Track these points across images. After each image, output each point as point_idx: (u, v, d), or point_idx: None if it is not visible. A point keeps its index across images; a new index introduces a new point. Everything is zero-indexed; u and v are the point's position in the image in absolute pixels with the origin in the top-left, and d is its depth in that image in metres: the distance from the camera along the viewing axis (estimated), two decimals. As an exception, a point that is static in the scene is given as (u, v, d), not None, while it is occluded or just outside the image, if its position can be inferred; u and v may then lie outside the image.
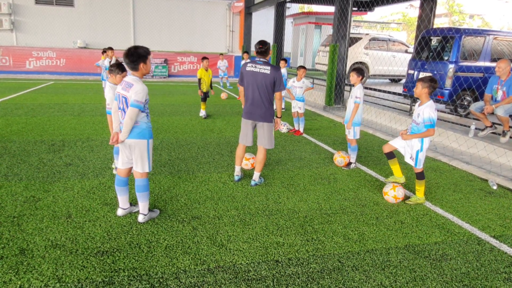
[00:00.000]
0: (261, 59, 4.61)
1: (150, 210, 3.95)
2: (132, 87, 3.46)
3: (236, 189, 4.81)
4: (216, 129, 8.17)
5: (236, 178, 5.08)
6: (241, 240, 3.55)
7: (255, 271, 3.08)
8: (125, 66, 3.54)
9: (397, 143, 4.77)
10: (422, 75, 9.50)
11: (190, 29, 21.42)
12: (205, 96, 9.13)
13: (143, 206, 3.80)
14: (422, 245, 3.62)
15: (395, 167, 5.01)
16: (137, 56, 3.45)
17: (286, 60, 10.28)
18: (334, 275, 3.08)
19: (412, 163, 4.58)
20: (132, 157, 3.72)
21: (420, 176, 4.56)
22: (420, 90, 4.35)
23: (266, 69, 4.52)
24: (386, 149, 4.87)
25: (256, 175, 4.97)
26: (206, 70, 8.97)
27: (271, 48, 4.69)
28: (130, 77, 3.57)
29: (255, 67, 4.57)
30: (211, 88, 9.27)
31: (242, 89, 4.87)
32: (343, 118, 9.25)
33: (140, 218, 3.80)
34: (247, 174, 5.35)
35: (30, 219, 3.74)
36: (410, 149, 4.58)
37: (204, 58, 8.97)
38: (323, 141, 7.54)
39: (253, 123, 4.81)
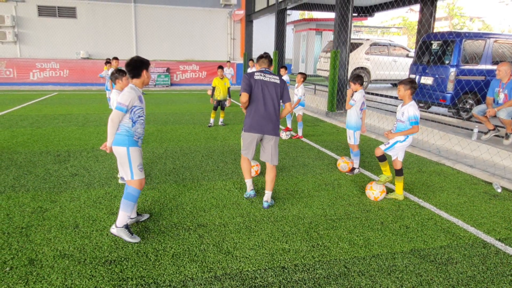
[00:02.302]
0: (267, 69, 4.45)
1: (127, 228, 3.61)
2: (121, 93, 3.52)
3: (241, 196, 4.84)
4: (220, 137, 8.22)
5: (252, 193, 4.67)
6: (247, 247, 3.57)
7: (261, 278, 3.10)
8: (127, 74, 3.58)
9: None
10: (424, 79, 9.55)
11: (192, 37, 21.59)
12: (217, 105, 9.24)
13: (119, 215, 3.58)
14: (428, 249, 3.63)
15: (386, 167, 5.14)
16: (140, 62, 3.53)
17: (286, 68, 10.35)
18: (340, 280, 3.09)
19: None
20: None
21: (399, 172, 4.81)
22: (403, 92, 4.65)
23: (276, 79, 4.37)
24: (378, 153, 4.97)
25: (268, 195, 4.52)
26: (222, 79, 9.09)
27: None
28: (128, 86, 3.61)
29: (264, 76, 4.34)
30: (229, 96, 9.41)
31: (247, 96, 4.30)
32: (345, 123, 9.29)
33: (111, 228, 3.70)
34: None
35: (38, 229, 3.79)
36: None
37: (219, 67, 9.26)
38: (326, 147, 7.57)
39: (261, 136, 4.43)
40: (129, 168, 3.58)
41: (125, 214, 3.57)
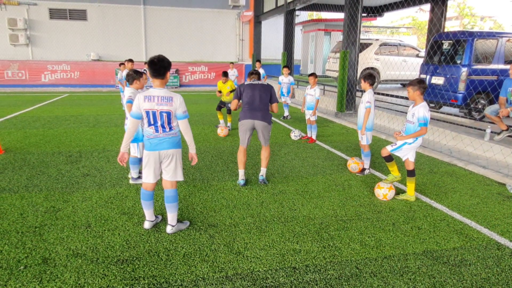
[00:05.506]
0: (256, 79, 5.40)
1: (179, 221, 3.96)
2: (174, 100, 3.52)
3: (251, 197, 4.84)
4: (229, 138, 8.23)
5: (241, 182, 5.25)
6: (257, 247, 3.57)
7: (273, 278, 3.09)
8: (152, 72, 3.48)
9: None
10: (435, 79, 9.45)
11: (200, 39, 21.68)
12: (221, 105, 9.25)
13: (172, 217, 3.79)
14: (441, 250, 3.59)
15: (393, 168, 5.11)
16: (168, 64, 3.53)
17: (289, 67, 10.39)
18: (352, 281, 3.07)
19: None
20: (166, 168, 3.68)
21: (411, 173, 4.78)
22: (412, 93, 4.60)
23: (263, 83, 5.30)
24: (384, 153, 4.94)
25: (263, 171, 5.38)
26: (224, 83, 9.10)
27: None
28: (159, 90, 3.51)
29: (254, 81, 5.31)
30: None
31: (236, 102, 5.32)
32: (355, 124, 9.23)
33: (169, 229, 3.80)
34: (259, 182, 5.38)
35: (51, 229, 3.83)
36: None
37: (223, 73, 9.22)
38: (336, 147, 7.54)
39: (252, 124, 5.14)
40: (181, 169, 3.77)
41: (176, 214, 3.82)
